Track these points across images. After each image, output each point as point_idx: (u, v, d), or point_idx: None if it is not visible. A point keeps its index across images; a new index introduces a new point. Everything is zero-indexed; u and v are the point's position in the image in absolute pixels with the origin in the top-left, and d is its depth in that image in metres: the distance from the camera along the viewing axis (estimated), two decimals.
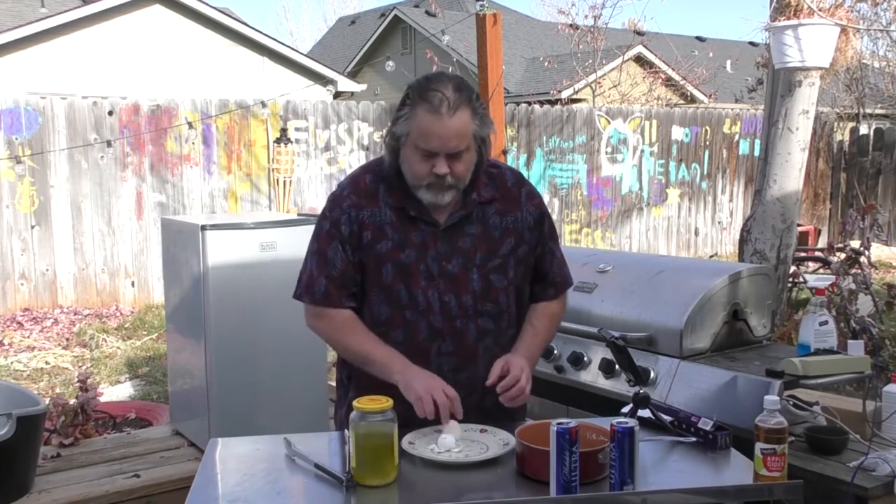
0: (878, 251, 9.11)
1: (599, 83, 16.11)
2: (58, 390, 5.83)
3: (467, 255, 2.14)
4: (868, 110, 16.64)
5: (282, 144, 9.25)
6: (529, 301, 2.30)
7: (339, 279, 2.16)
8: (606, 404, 2.66)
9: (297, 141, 9.61)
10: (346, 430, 2.06)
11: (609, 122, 11.78)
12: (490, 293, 2.16)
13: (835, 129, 13.89)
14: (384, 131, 2.20)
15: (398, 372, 2.05)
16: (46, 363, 6.73)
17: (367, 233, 2.14)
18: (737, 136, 13.03)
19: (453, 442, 1.99)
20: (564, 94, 16.35)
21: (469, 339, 2.15)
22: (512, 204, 2.21)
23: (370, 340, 2.13)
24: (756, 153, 11.52)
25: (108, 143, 8.68)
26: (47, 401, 3.53)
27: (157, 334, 7.41)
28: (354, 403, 1.85)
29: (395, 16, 24.19)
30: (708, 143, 12.75)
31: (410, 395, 2.00)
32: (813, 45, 4.21)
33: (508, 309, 2.21)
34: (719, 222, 12.99)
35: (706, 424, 2.05)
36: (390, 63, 15.36)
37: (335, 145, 9.93)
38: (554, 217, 11.23)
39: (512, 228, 2.19)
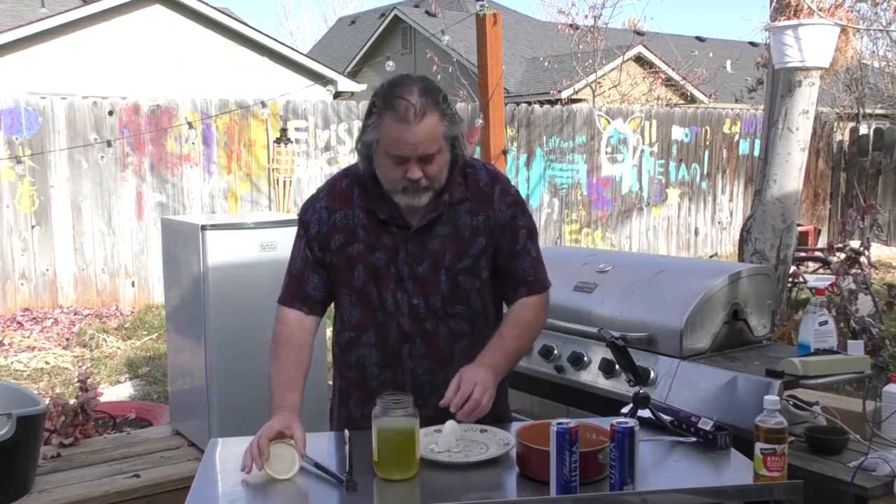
0: (878, 251, 9.11)
1: (599, 83, 16.11)
2: (58, 390, 5.83)
3: (436, 257, 2.12)
4: (868, 110, 16.65)
5: (282, 144, 9.25)
6: (505, 304, 2.24)
7: (297, 277, 2.19)
8: (606, 404, 2.66)
9: (297, 141, 9.61)
10: (345, 431, 2.07)
11: (609, 122, 11.78)
12: (460, 295, 2.14)
13: (835, 129, 13.89)
14: (355, 140, 2.19)
15: (272, 408, 2.05)
16: (46, 363, 6.73)
17: (338, 236, 2.14)
18: (737, 136, 13.03)
19: (453, 442, 1.99)
20: (564, 94, 16.35)
21: (441, 342, 2.14)
22: (483, 203, 2.16)
23: (281, 367, 2.12)
24: (756, 153, 11.51)
25: (108, 143, 8.68)
26: (47, 401, 3.53)
27: (157, 334, 7.41)
28: (378, 398, 1.87)
29: (395, 16, 24.19)
30: (708, 143, 12.75)
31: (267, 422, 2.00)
32: (813, 45, 4.21)
33: (484, 311, 2.19)
34: (719, 222, 12.99)
35: (706, 424, 2.05)
36: (390, 63, 15.30)
37: (335, 145, 9.93)
38: (554, 217, 11.32)
39: (483, 228, 2.15)
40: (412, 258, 2.12)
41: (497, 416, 2.18)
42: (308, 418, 2.63)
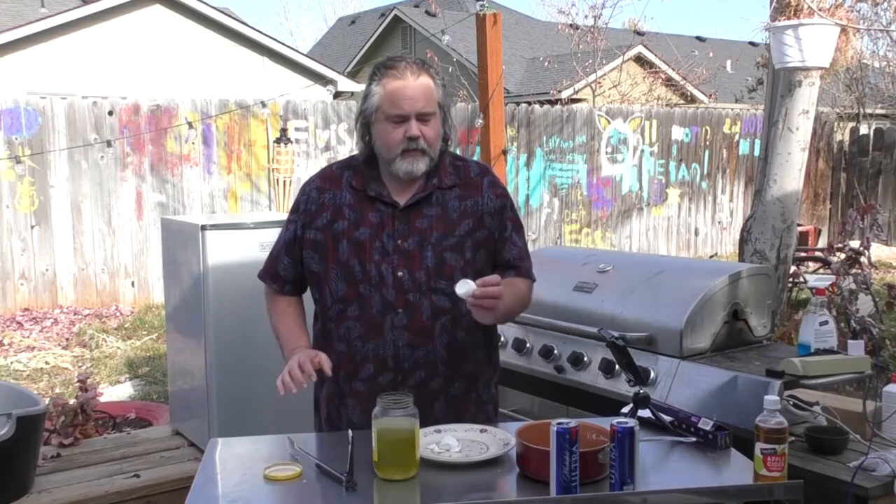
0: (878, 251, 9.11)
1: (599, 83, 16.11)
2: (58, 390, 5.83)
3: (423, 235, 2.22)
4: (868, 110, 16.65)
5: (282, 144, 9.25)
6: None
7: (273, 257, 2.38)
8: (606, 404, 2.66)
9: (297, 141, 9.61)
10: (349, 431, 2.08)
11: (609, 122, 11.78)
12: (444, 270, 2.20)
13: (835, 129, 13.89)
14: (354, 117, 2.32)
15: (289, 352, 2.21)
16: (46, 363, 6.73)
17: (326, 213, 2.26)
18: (737, 136, 13.03)
19: (454, 442, 1.99)
20: (564, 94, 16.35)
21: (423, 315, 2.20)
22: (472, 190, 2.28)
23: (283, 317, 2.34)
24: (756, 153, 11.52)
25: (108, 143, 8.68)
26: (47, 401, 3.53)
27: (157, 334, 7.41)
28: (378, 398, 1.88)
29: (395, 16, 24.21)
30: (708, 143, 12.75)
31: (286, 357, 2.19)
32: (813, 45, 4.20)
33: None
34: (719, 222, 12.99)
35: (706, 424, 2.05)
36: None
37: (335, 145, 9.93)
38: (554, 217, 11.32)
39: (471, 212, 2.25)
40: (398, 234, 2.21)
41: (488, 417, 2.28)
42: (308, 418, 2.64)
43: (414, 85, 2.15)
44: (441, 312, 2.21)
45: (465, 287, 2.01)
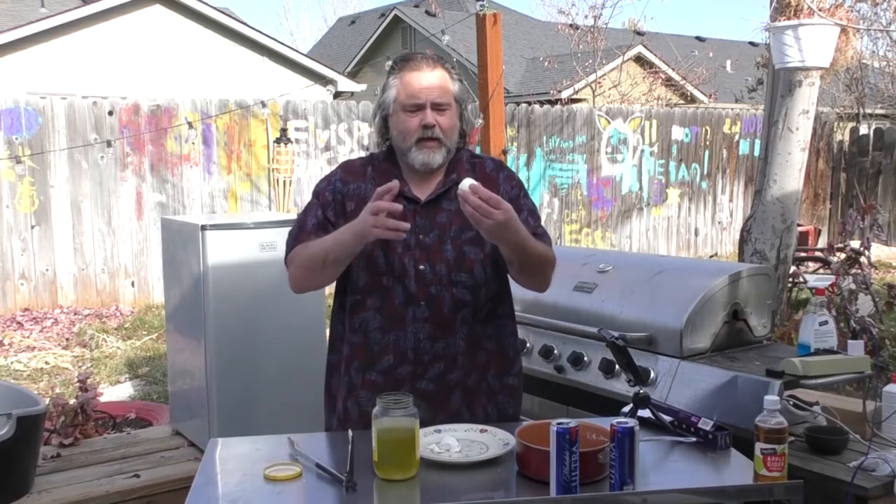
0: (878, 251, 9.11)
1: (599, 83, 16.11)
2: (58, 390, 5.83)
3: (443, 229, 2.24)
4: (868, 110, 16.64)
5: (282, 144, 9.25)
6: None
7: (311, 234, 2.26)
8: (606, 404, 2.66)
9: (297, 141, 9.61)
10: (349, 431, 2.08)
11: (609, 122, 11.78)
12: (464, 263, 2.23)
13: (835, 129, 13.89)
14: (372, 112, 2.33)
15: (348, 229, 2.10)
16: (46, 363, 6.73)
17: (350, 203, 2.26)
18: (737, 136, 13.03)
19: (454, 442, 1.99)
20: (564, 94, 16.35)
21: (445, 307, 2.21)
22: (489, 184, 2.23)
23: (325, 238, 2.18)
24: (756, 153, 11.52)
25: (108, 143, 8.68)
26: (47, 401, 3.52)
27: (157, 334, 7.41)
28: (377, 398, 1.88)
29: (395, 16, 24.21)
30: (708, 143, 12.75)
31: (359, 227, 2.05)
32: (813, 45, 4.20)
33: (487, 283, 2.26)
34: (719, 222, 12.99)
35: (706, 424, 2.05)
36: (390, 63, 15.34)
37: (335, 145, 9.93)
38: (554, 217, 11.32)
39: None
40: (420, 229, 2.22)
41: (499, 408, 2.29)
42: (308, 418, 2.64)
43: (430, 75, 2.20)
44: (462, 305, 2.23)
45: (466, 183, 1.98)
